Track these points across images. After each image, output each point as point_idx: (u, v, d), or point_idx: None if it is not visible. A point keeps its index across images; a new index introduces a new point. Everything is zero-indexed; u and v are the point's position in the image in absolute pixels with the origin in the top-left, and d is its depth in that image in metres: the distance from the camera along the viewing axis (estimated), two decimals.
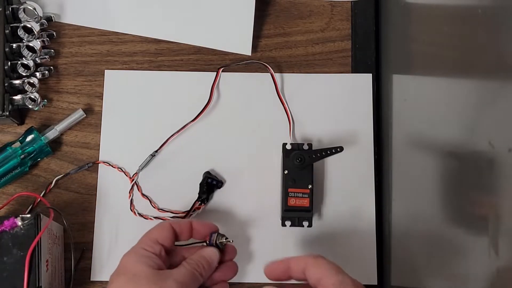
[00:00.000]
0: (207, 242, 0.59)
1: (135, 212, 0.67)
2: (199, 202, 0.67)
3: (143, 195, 0.67)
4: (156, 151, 0.68)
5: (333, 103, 0.70)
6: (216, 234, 0.59)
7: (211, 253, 0.57)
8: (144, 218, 0.67)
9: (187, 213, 0.67)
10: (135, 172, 0.68)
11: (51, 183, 0.67)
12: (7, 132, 0.69)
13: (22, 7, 0.67)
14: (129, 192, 0.67)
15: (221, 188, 0.68)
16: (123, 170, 0.68)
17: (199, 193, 0.67)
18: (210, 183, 0.67)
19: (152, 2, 0.72)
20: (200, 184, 0.67)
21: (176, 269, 0.54)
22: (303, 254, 0.54)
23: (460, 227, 0.50)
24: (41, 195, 0.66)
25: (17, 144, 0.66)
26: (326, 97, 0.71)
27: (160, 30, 0.72)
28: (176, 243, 0.59)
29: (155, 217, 0.67)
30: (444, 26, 0.54)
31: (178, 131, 0.69)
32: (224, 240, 0.58)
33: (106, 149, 0.69)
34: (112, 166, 0.68)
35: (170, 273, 0.53)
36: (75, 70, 0.71)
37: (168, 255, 0.57)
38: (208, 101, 0.69)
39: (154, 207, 0.67)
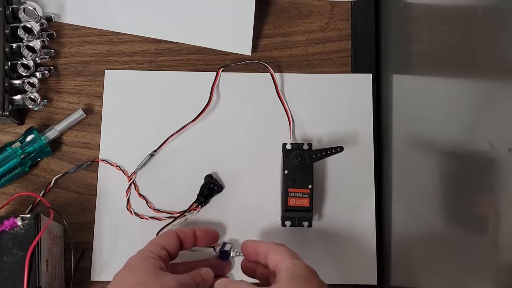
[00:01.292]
0: (217, 249, 0.62)
1: (131, 211, 0.67)
2: (196, 203, 0.67)
3: (140, 194, 0.67)
4: (155, 151, 0.68)
5: (333, 103, 0.70)
6: (231, 246, 0.62)
7: (207, 272, 0.58)
8: (140, 217, 0.67)
9: (182, 214, 0.67)
10: (134, 171, 0.68)
11: (50, 182, 0.67)
12: (7, 132, 0.69)
13: (22, 7, 0.67)
14: (127, 191, 0.67)
15: (219, 192, 0.68)
16: (122, 169, 0.68)
17: (198, 195, 0.67)
18: (212, 188, 0.67)
19: (152, 2, 0.72)
20: (202, 187, 0.67)
21: (177, 274, 0.56)
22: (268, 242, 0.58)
23: (460, 227, 0.50)
24: (41, 195, 0.66)
25: (17, 144, 0.66)
26: (326, 97, 0.70)
27: (160, 30, 0.72)
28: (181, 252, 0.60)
29: (150, 217, 0.67)
30: (444, 26, 0.54)
31: (177, 131, 0.69)
32: (237, 254, 0.61)
33: (106, 149, 0.69)
34: (111, 164, 0.68)
35: (170, 274, 0.55)
36: (75, 70, 0.71)
37: (172, 266, 0.59)
38: (208, 101, 0.69)
39: (150, 207, 0.67)
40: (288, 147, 0.65)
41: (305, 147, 0.65)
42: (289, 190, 0.64)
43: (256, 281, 0.59)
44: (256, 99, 0.70)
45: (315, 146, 0.66)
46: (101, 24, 0.72)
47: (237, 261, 0.65)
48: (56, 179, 0.68)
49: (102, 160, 0.68)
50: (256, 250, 0.57)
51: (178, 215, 0.67)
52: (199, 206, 0.67)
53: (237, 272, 0.64)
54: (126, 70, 0.71)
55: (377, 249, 0.67)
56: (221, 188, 0.67)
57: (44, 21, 0.69)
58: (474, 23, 0.47)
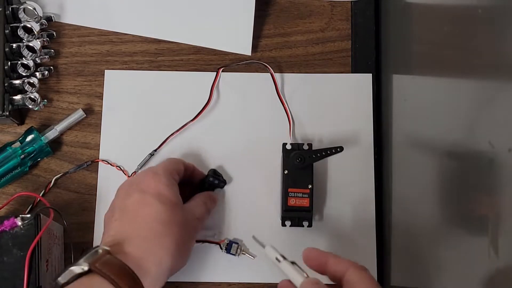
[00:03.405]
0: (223, 247, 0.66)
1: None
2: None
3: None
4: (155, 151, 0.68)
5: (333, 103, 0.70)
6: (237, 245, 0.66)
7: (214, 195, 0.65)
8: None
9: None
10: (134, 171, 0.68)
11: (50, 182, 0.67)
12: (7, 132, 0.69)
13: (22, 7, 0.67)
14: None
15: (221, 188, 0.68)
16: (122, 168, 0.68)
17: (200, 189, 0.66)
18: (212, 182, 0.66)
19: (152, 2, 0.72)
20: (201, 180, 0.66)
21: (194, 204, 0.62)
22: (345, 258, 0.49)
23: (460, 227, 0.50)
24: (41, 195, 0.66)
25: (17, 144, 0.66)
26: (326, 97, 0.70)
27: (160, 30, 0.72)
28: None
29: None
30: (444, 26, 0.54)
31: (177, 131, 0.69)
32: (242, 253, 0.66)
33: (106, 149, 0.69)
34: (111, 164, 0.68)
35: (189, 207, 0.60)
36: (75, 70, 0.71)
37: None
38: (208, 101, 0.69)
39: None
40: (288, 147, 0.65)
41: (305, 147, 0.65)
42: (289, 190, 0.63)
43: None
44: (256, 99, 0.70)
45: (315, 146, 0.66)
46: (101, 24, 0.72)
47: (243, 259, 0.65)
48: (56, 179, 0.68)
49: (102, 160, 0.68)
50: (327, 262, 0.49)
51: None
52: None
53: (246, 271, 0.64)
54: (126, 70, 0.71)
55: (377, 249, 0.67)
56: (223, 183, 0.67)
57: (44, 21, 0.69)
58: (474, 23, 0.47)
